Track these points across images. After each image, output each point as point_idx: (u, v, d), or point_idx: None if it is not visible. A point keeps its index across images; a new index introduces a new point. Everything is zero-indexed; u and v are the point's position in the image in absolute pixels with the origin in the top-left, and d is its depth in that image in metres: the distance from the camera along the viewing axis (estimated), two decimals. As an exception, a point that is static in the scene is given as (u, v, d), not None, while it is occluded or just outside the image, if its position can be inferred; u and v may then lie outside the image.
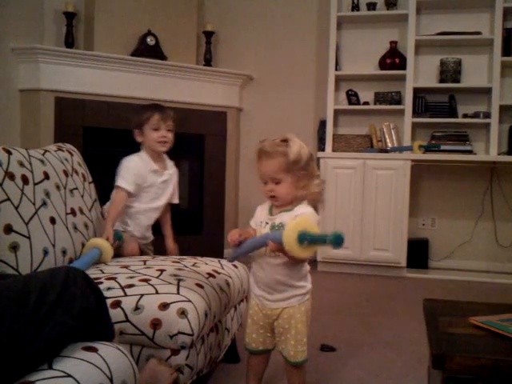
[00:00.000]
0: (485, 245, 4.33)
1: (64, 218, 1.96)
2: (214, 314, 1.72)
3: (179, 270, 1.85)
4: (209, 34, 4.65)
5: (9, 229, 1.65)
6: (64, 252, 1.90)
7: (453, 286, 3.83)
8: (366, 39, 4.49)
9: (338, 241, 1.39)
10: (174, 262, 1.99)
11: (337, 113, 4.47)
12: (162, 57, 4.29)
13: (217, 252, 4.31)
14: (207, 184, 4.60)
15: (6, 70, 3.81)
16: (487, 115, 4.12)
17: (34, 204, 1.79)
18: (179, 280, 1.72)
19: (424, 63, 4.36)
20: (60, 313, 1.14)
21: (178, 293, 1.63)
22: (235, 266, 2.10)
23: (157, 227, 2.58)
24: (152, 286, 1.66)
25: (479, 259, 4.34)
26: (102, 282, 1.69)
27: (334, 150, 4.36)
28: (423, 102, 4.30)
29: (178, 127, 2.51)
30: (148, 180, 2.39)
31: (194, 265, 1.96)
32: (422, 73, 4.37)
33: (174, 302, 1.58)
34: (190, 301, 1.60)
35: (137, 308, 1.58)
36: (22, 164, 1.81)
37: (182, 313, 1.56)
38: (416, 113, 4.27)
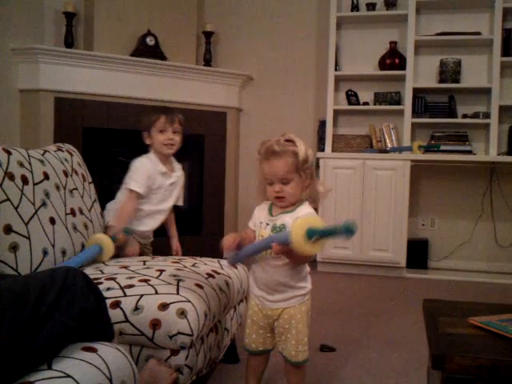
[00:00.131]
0: (484, 245, 4.34)
1: (64, 218, 1.96)
2: (213, 314, 1.72)
3: (179, 270, 1.85)
4: (208, 34, 4.65)
5: (8, 229, 1.65)
6: (64, 252, 1.90)
7: (452, 287, 3.83)
8: (366, 39, 4.49)
9: (350, 230, 1.35)
10: (173, 262, 1.99)
11: (336, 113, 4.47)
12: (162, 57, 4.29)
13: (216, 252, 4.26)
14: (207, 184, 4.60)
15: (6, 70, 3.81)
16: (487, 115, 4.12)
17: (33, 204, 1.79)
18: (179, 280, 1.72)
19: (424, 63, 4.37)
20: (59, 313, 1.14)
21: (178, 293, 1.63)
22: (235, 267, 2.10)
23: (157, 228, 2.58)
24: (151, 286, 1.66)
25: (479, 259, 4.34)
26: (101, 283, 1.69)
27: (333, 151, 4.37)
28: (423, 102, 4.30)
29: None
30: (157, 182, 2.39)
31: (193, 265, 1.96)
32: (421, 73, 4.37)
33: (174, 303, 1.58)
34: (189, 301, 1.60)
35: (136, 308, 1.58)
36: (21, 164, 1.81)
37: (182, 313, 1.56)
38: (416, 113, 4.27)
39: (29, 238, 1.72)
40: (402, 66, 4.28)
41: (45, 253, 1.78)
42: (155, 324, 1.55)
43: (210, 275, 1.87)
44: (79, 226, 2.06)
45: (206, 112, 4.51)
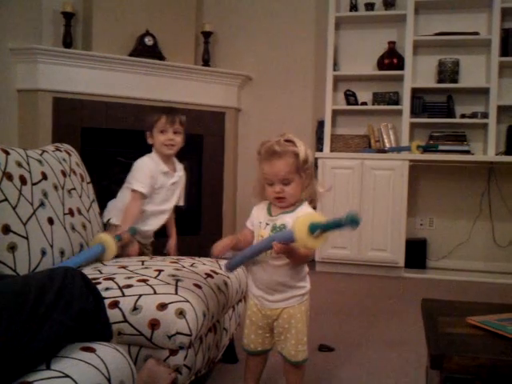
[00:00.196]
0: (483, 245, 4.34)
1: (62, 218, 1.96)
2: (212, 314, 1.72)
3: (177, 270, 1.85)
4: (207, 35, 4.65)
5: (6, 229, 1.65)
6: (62, 252, 1.89)
7: (451, 286, 3.83)
8: (365, 39, 4.49)
9: (354, 221, 1.35)
10: (172, 262, 1.99)
11: (335, 113, 4.48)
12: (161, 57, 4.29)
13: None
14: (205, 184, 4.60)
15: (4, 70, 3.80)
16: (485, 115, 4.12)
17: (31, 204, 1.79)
18: (177, 280, 1.72)
19: (422, 63, 4.37)
20: (58, 313, 1.14)
21: (176, 293, 1.63)
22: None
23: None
24: (150, 286, 1.66)
25: (477, 259, 4.35)
26: (100, 283, 1.68)
27: (332, 150, 4.37)
28: (421, 102, 4.31)
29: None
30: (159, 181, 2.40)
31: (192, 265, 1.96)
32: (420, 73, 4.37)
33: (172, 303, 1.58)
34: (188, 301, 1.60)
35: (135, 308, 1.57)
36: (19, 164, 1.80)
37: (180, 313, 1.56)
38: (414, 113, 4.27)
39: (27, 238, 1.72)
40: (400, 65, 4.28)
41: (43, 253, 1.78)
42: (154, 324, 1.54)
43: (208, 275, 1.87)
44: (77, 226, 2.06)
45: (205, 112, 4.51)
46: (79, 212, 2.11)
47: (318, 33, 4.60)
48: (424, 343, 1.40)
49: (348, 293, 3.60)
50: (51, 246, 1.83)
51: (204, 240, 4.41)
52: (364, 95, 4.49)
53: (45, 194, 1.89)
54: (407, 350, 2.45)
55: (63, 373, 1.06)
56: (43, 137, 3.80)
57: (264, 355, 1.77)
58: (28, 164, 1.85)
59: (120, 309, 1.58)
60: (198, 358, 1.66)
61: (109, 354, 1.20)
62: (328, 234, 1.44)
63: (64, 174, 2.09)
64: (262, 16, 4.75)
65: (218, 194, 4.67)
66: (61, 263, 1.89)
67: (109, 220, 2.41)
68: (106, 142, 4.11)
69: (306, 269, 1.72)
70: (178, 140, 2.42)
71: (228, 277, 1.97)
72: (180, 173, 2.50)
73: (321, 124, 4.49)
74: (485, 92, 4.18)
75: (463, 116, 4.25)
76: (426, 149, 4.17)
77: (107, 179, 4.04)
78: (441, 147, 4.16)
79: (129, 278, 1.73)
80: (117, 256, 2.14)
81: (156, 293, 1.62)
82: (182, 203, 2.58)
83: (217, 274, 1.92)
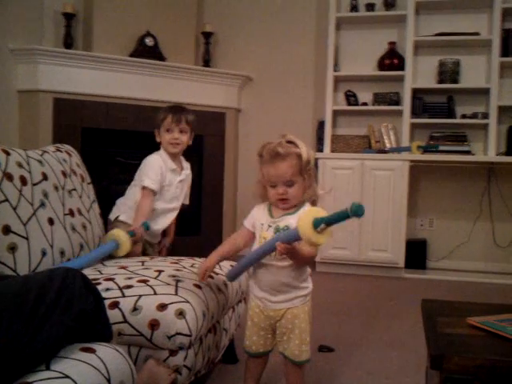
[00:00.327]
0: (483, 245, 4.34)
1: (62, 218, 1.96)
2: (211, 314, 1.72)
3: (177, 270, 1.85)
4: (207, 35, 4.65)
5: (7, 230, 1.65)
6: (62, 253, 1.90)
7: (451, 287, 3.83)
8: (365, 40, 4.49)
9: (359, 210, 1.35)
10: (172, 262, 1.99)
11: (335, 113, 4.48)
12: (161, 57, 4.30)
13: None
14: (206, 184, 4.60)
15: (5, 71, 3.80)
16: (485, 116, 4.12)
17: (32, 205, 1.79)
18: (177, 281, 1.72)
19: (422, 64, 4.37)
20: (58, 313, 1.14)
21: (176, 294, 1.63)
22: (232, 267, 2.10)
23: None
24: (150, 286, 1.66)
25: (477, 260, 4.34)
26: (100, 283, 1.69)
27: (332, 151, 4.37)
28: (422, 102, 4.31)
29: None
30: (167, 178, 2.43)
31: (192, 266, 1.96)
32: (420, 73, 4.37)
33: (172, 303, 1.58)
34: (188, 302, 1.60)
35: (135, 309, 1.58)
36: (20, 165, 1.81)
37: (180, 314, 1.56)
38: (414, 113, 4.27)
39: (27, 238, 1.72)
40: (400, 66, 4.28)
41: (43, 253, 1.78)
42: (154, 324, 1.54)
43: (208, 276, 1.87)
44: (78, 226, 2.06)
45: (205, 112, 4.51)
46: (79, 212, 2.11)
47: (319, 33, 4.60)
48: (424, 344, 1.40)
49: (348, 293, 3.60)
50: (51, 247, 1.83)
51: (204, 240, 4.41)
52: (364, 96, 4.49)
53: (45, 195, 1.89)
54: (407, 351, 2.45)
55: (63, 373, 1.06)
56: (43, 137, 3.80)
57: (265, 357, 1.77)
58: (28, 164, 1.85)
59: (120, 309, 1.58)
60: (198, 358, 1.66)
61: (109, 354, 1.20)
62: (332, 228, 1.43)
63: (64, 174, 2.09)
64: (263, 16, 4.75)
65: (219, 195, 4.67)
66: (75, 259, 1.93)
67: (117, 217, 2.43)
68: (106, 142, 4.12)
69: (309, 270, 1.72)
70: (184, 139, 2.45)
71: (228, 277, 1.97)
72: (187, 171, 2.54)
73: (321, 124, 4.49)
74: (485, 92, 4.17)
75: (464, 116, 4.25)
76: (426, 149, 4.17)
77: (107, 179, 4.05)
78: (441, 148, 4.16)
79: (129, 278, 1.73)
80: (115, 257, 2.15)
81: (156, 293, 1.62)
82: (187, 202, 2.62)
83: (216, 274, 1.92)
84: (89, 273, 1.79)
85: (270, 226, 1.65)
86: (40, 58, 3.83)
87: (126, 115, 4.12)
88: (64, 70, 3.90)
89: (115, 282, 1.70)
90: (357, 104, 4.47)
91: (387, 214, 4.08)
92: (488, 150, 4.11)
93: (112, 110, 4.09)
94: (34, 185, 1.84)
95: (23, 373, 1.05)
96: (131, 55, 4.19)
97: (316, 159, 4.12)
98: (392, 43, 4.35)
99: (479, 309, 1.61)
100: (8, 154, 1.78)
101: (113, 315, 1.53)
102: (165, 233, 2.62)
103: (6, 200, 1.68)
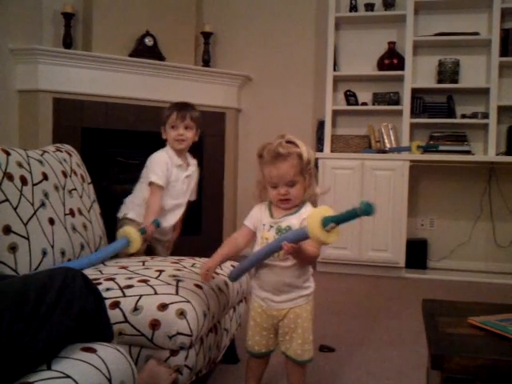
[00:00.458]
0: (483, 245, 4.34)
1: (63, 218, 1.96)
2: (212, 314, 1.72)
3: (178, 270, 1.85)
4: (207, 35, 4.65)
5: (7, 229, 1.65)
6: (63, 253, 1.89)
7: (451, 287, 3.83)
8: (364, 40, 4.49)
9: (369, 209, 1.34)
10: (172, 262, 1.99)
11: (335, 113, 4.48)
12: (161, 57, 4.29)
13: (215, 253, 4.30)
14: (206, 184, 4.59)
15: (5, 71, 3.80)
16: (485, 116, 4.12)
17: (32, 205, 1.79)
18: (178, 281, 1.72)
19: (422, 64, 4.37)
20: (59, 313, 1.14)
21: (177, 293, 1.63)
22: (233, 267, 2.09)
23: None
24: (151, 286, 1.66)
25: (478, 259, 4.34)
26: (100, 283, 1.68)
27: (332, 151, 4.37)
28: (421, 102, 4.31)
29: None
30: (173, 174, 2.45)
31: (192, 265, 1.96)
32: (420, 73, 4.37)
33: (173, 303, 1.58)
34: (188, 301, 1.60)
35: (136, 309, 1.57)
36: (20, 165, 1.81)
37: (181, 313, 1.56)
38: (414, 113, 4.27)
39: (28, 238, 1.72)
40: (400, 66, 4.28)
41: (44, 253, 1.78)
42: (154, 324, 1.54)
43: (211, 276, 1.86)
44: (78, 226, 2.06)
45: (205, 112, 4.46)
46: (80, 212, 2.11)
47: (318, 33, 4.60)
48: (424, 343, 1.40)
49: (348, 293, 3.60)
50: (52, 247, 1.83)
51: (204, 240, 4.41)
52: (364, 95, 4.49)
53: (45, 195, 1.89)
54: (407, 351, 2.45)
55: (64, 373, 1.06)
56: (43, 137, 3.80)
57: (267, 357, 1.77)
58: (29, 164, 1.85)
59: (121, 309, 1.58)
60: (199, 358, 1.66)
61: (110, 354, 1.20)
62: (339, 227, 1.43)
63: (65, 174, 2.09)
64: (262, 16, 4.75)
65: (219, 194, 4.67)
66: (87, 256, 1.95)
67: (125, 215, 2.44)
68: (106, 142, 4.11)
69: (311, 269, 1.72)
70: (189, 135, 2.47)
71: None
72: (193, 167, 2.56)
73: (321, 124, 4.49)
74: (485, 92, 4.17)
75: (463, 116, 4.25)
76: (426, 149, 4.17)
77: (107, 179, 4.05)
78: (441, 147, 4.16)
79: (129, 278, 1.73)
80: (115, 257, 2.15)
81: (157, 293, 1.62)
82: (193, 198, 2.65)
83: (217, 274, 1.92)
84: (89, 273, 1.79)
85: (271, 227, 1.65)
86: (40, 58, 3.82)
87: (125, 115, 4.12)
88: (64, 70, 3.90)
89: (116, 282, 1.69)
90: (356, 104, 4.47)
91: (387, 213, 4.08)
92: (488, 150, 4.11)
93: (112, 110, 4.09)
94: (35, 185, 1.84)
95: (24, 373, 1.05)
96: (131, 55, 4.18)
97: (316, 159, 4.12)
98: (391, 43, 4.35)
99: (480, 308, 1.61)
100: (8, 153, 1.78)
101: (113, 315, 1.52)
102: (173, 228, 2.64)
103: (7, 200, 1.68)
